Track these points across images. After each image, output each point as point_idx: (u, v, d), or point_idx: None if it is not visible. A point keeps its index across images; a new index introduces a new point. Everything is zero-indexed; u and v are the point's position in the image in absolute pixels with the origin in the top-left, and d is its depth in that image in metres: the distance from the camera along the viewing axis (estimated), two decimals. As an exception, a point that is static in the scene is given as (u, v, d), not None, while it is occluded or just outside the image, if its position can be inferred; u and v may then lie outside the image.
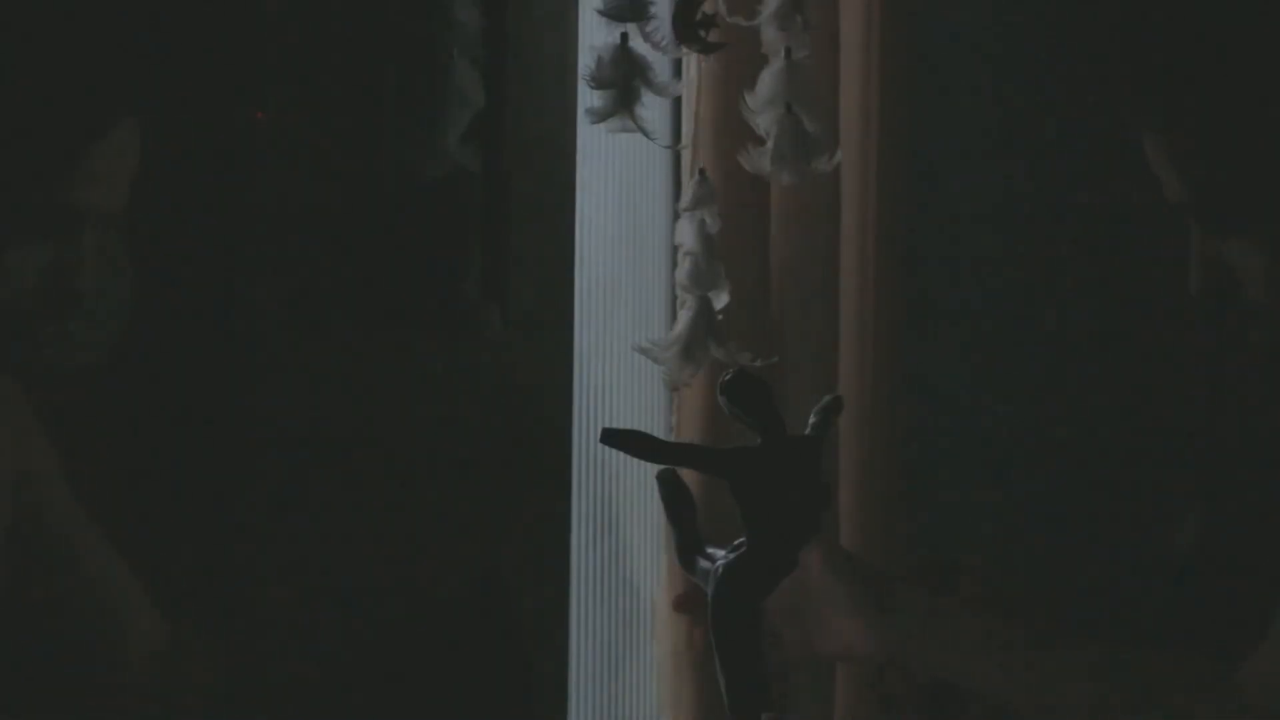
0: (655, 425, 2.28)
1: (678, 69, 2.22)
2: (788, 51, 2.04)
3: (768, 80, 2.05)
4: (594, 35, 1.94)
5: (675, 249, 2.09)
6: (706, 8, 1.97)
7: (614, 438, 1.59)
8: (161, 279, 1.45)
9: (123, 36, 1.18)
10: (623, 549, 2.24)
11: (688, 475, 1.68)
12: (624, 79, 1.90)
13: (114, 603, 1.36)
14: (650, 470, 1.67)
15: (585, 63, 1.92)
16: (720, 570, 1.61)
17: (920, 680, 1.55)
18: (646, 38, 1.91)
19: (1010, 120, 2.64)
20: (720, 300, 2.05)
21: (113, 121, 1.18)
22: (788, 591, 1.58)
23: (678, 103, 2.24)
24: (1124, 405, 2.60)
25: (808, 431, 1.67)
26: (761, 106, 2.04)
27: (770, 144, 2.04)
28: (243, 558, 1.55)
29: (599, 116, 1.91)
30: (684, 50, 1.98)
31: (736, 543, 1.63)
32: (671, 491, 1.66)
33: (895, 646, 1.51)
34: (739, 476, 1.62)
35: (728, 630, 1.61)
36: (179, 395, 1.53)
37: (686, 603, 1.81)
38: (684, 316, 2.04)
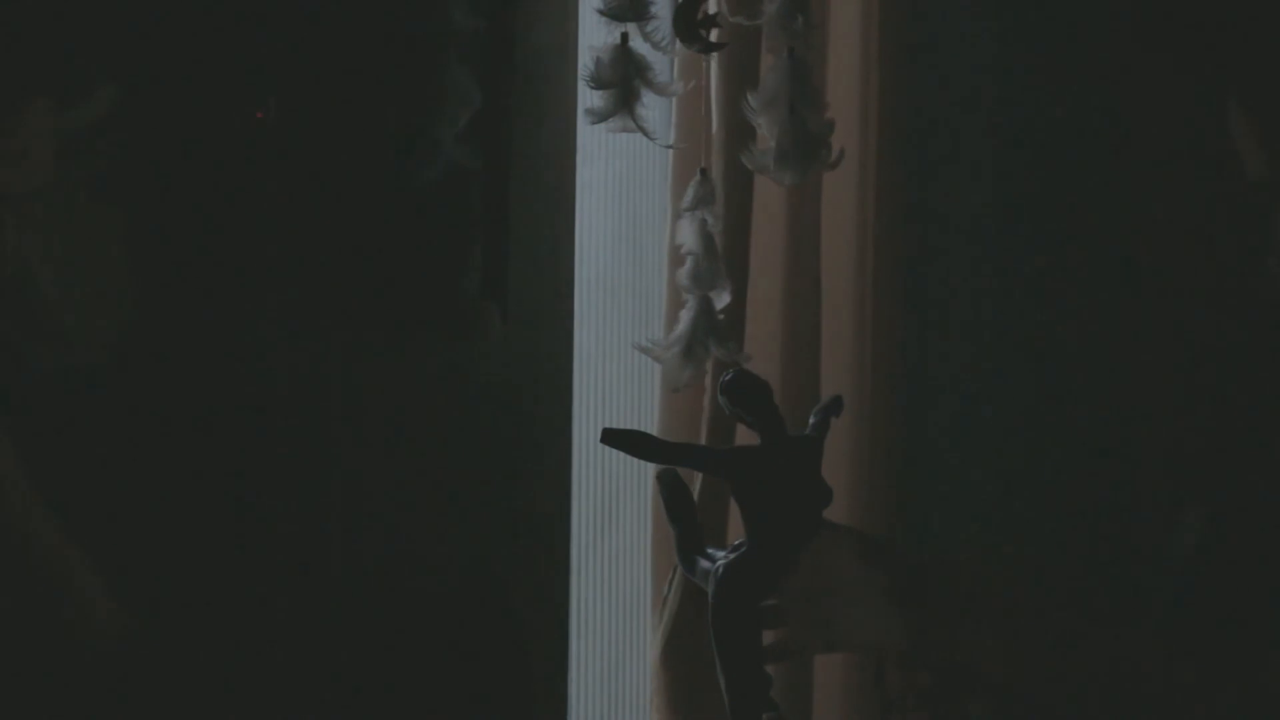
0: (655, 425, 2.28)
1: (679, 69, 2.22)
2: (791, 51, 2.03)
3: (770, 80, 2.04)
4: (594, 35, 1.94)
5: (675, 249, 2.09)
6: (708, 7, 1.97)
7: (614, 438, 1.59)
8: (159, 279, 1.45)
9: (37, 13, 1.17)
10: (623, 549, 2.24)
11: (687, 475, 1.69)
12: (624, 79, 1.90)
13: (70, 596, 1.34)
14: (650, 470, 1.67)
15: (585, 63, 1.92)
16: (720, 570, 1.62)
17: (923, 679, 1.55)
18: (646, 38, 1.91)
19: (1012, 116, 2.64)
20: (721, 300, 2.05)
21: (22, 100, 1.16)
22: (807, 574, 1.58)
23: (678, 102, 2.24)
24: (1126, 403, 2.60)
25: (808, 431, 1.67)
26: (764, 106, 2.04)
27: (773, 143, 2.03)
28: (240, 557, 1.55)
29: (599, 116, 1.91)
30: (680, 50, 1.98)
31: (736, 543, 1.64)
32: (671, 491, 1.66)
33: (924, 636, 1.51)
34: (739, 476, 1.62)
35: (728, 630, 1.61)
36: (176, 395, 1.53)
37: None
38: (684, 316, 2.04)
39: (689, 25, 1.95)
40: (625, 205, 2.25)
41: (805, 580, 1.59)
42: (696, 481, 2.10)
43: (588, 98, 1.93)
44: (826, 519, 1.66)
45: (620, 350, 2.21)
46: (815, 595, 1.58)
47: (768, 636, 1.68)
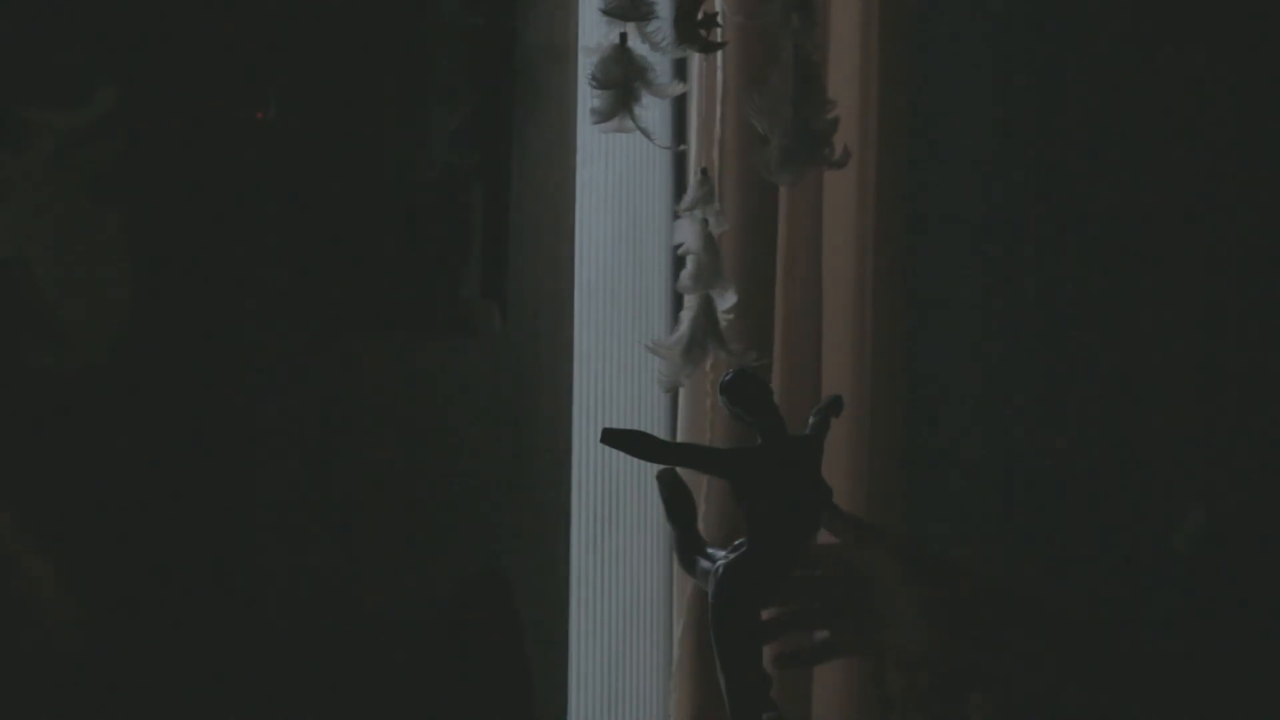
0: (655, 425, 2.28)
1: (680, 69, 2.22)
2: (795, 49, 2.03)
3: (774, 78, 2.04)
4: (594, 35, 1.94)
5: (675, 249, 2.09)
6: (707, 7, 1.97)
7: (614, 438, 1.59)
8: (159, 279, 1.45)
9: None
10: (623, 549, 2.24)
11: (687, 475, 1.68)
12: (624, 79, 1.89)
13: (34, 596, 1.34)
14: (650, 470, 1.67)
15: (585, 63, 1.92)
16: (720, 570, 1.61)
17: (923, 679, 1.55)
18: (646, 38, 1.91)
19: (1012, 115, 2.64)
20: (726, 300, 2.05)
21: None
22: (844, 575, 1.58)
23: (677, 103, 2.24)
24: (1128, 402, 2.60)
25: (807, 431, 1.67)
26: (767, 106, 2.04)
27: (775, 143, 2.03)
28: (240, 559, 1.55)
29: (601, 117, 1.91)
30: (684, 50, 1.98)
31: (736, 543, 1.63)
32: (671, 491, 1.66)
33: (959, 642, 1.51)
34: (739, 476, 1.62)
35: (728, 630, 1.61)
36: (175, 397, 1.53)
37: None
38: (685, 316, 2.04)
39: (688, 25, 1.95)
40: (625, 206, 2.25)
41: (841, 581, 1.59)
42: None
43: (589, 98, 1.93)
44: (862, 520, 1.66)
45: (620, 350, 2.21)
46: (851, 597, 1.58)
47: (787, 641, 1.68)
